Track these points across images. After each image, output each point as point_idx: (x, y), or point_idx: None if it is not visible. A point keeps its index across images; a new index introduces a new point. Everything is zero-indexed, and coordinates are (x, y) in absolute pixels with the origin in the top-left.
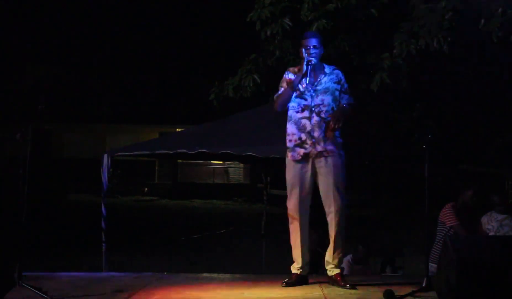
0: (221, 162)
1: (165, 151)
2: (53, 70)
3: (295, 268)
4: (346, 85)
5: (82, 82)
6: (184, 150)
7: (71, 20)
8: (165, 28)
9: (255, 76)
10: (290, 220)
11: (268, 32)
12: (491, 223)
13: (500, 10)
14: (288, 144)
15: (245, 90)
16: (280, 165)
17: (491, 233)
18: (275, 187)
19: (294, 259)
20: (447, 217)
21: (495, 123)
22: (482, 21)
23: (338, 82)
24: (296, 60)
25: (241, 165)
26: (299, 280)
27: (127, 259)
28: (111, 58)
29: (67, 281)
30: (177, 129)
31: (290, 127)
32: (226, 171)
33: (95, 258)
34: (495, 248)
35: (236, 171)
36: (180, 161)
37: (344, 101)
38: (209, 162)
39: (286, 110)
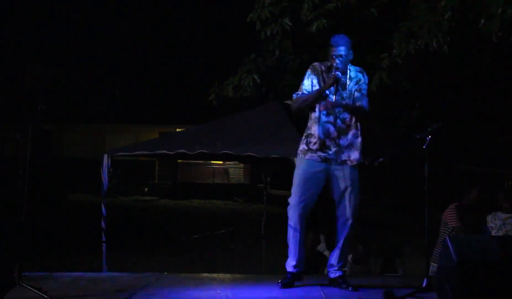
0: (221, 162)
1: (165, 151)
2: (53, 70)
3: (290, 266)
4: (363, 87)
5: (82, 82)
6: (184, 150)
7: (71, 20)
8: (165, 28)
9: (255, 76)
10: (289, 216)
11: (268, 32)
12: (494, 221)
13: (500, 10)
14: (310, 145)
15: (245, 90)
16: (280, 165)
17: (494, 231)
18: (275, 187)
19: (289, 256)
20: (449, 217)
21: (495, 123)
22: (482, 21)
23: (357, 82)
24: (296, 61)
25: (241, 165)
26: (295, 278)
27: (127, 259)
28: (111, 58)
29: (67, 281)
30: (177, 129)
31: (315, 129)
32: (226, 171)
33: (95, 258)
34: (495, 248)
35: (236, 171)
36: (180, 161)
37: (356, 102)
38: (209, 162)
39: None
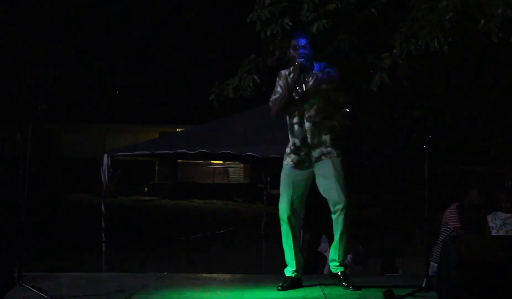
0: (221, 162)
1: (165, 151)
2: (53, 70)
3: (289, 271)
4: (327, 69)
5: (82, 82)
6: (184, 150)
7: (71, 20)
8: (165, 28)
9: (255, 76)
10: (281, 222)
11: (268, 33)
12: (494, 221)
13: (500, 10)
14: (286, 150)
15: (245, 90)
16: (280, 165)
17: (494, 231)
18: (275, 187)
19: (287, 263)
20: (450, 217)
21: (495, 123)
22: (482, 21)
23: (329, 81)
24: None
25: (241, 165)
26: (294, 283)
27: (127, 259)
28: (111, 58)
29: (67, 281)
30: (177, 129)
31: (289, 133)
32: (226, 171)
33: (95, 258)
34: (495, 248)
35: (236, 171)
36: (180, 161)
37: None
38: (209, 162)
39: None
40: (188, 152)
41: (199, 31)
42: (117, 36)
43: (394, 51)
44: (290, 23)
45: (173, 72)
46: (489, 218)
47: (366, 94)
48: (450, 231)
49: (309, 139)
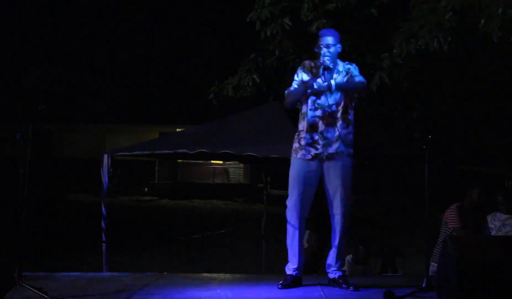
0: (221, 162)
1: (165, 151)
2: (53, 70)
3: (290, 269)
4: (354, 72)
5: (82, 82)
6: (184, 150)
7: (72, 20)
8: (165, 28)
9: (255, 76)
10: (287, 219)
11: (268, 32)
12: (494, 222)
13: (500, 10)
14: (300, 142)
15: (245, 90)
16: (280, 165)
17: (493, 232)
18: (275, 187)
19: (289, 260)
20: (450, 217)
21: (495, 123)
22: (482, 21)
23: (347, 73)
24: (296, 61)
25: (241, 165)
26: (295, 282)
27: (127, 259)
28: (111, 58)
29: (67, 281)
30: (177, 129)
31: (303, 125)
32: (226, 171)
33: (95, 258)
34: (495, 248)
35: (236, 171)
36: (180, 161)
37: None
38: (209, 162)
39: (296, 108)
40: (188, 151)
41: (199, 31)
42: (117, 36)
43: (394, 51)
44: (290, 23)
45: (173, 72)
46: (489, 218)
47: (366, 94)
48: (450, 231)
49: (329, 134)
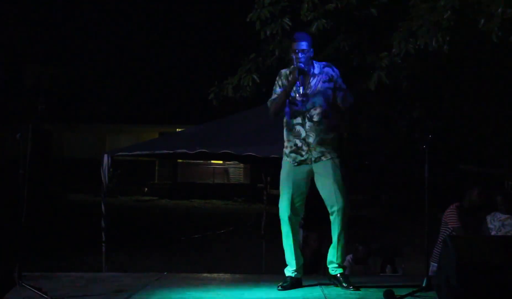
0: (221, 162)
1: (165, 151)
2: (53, 70)
3: (289, 271)
4: (339, 81)
5: (82, 82)
6: (184, 150)
7: (71, 20)
8: (165, 28)
9: (255, 76)
10: (281, 221)
11: (268, 32)
12: (493, 222)
13: (500, 10)
14: (285, 150)
15: (245, 90)
16: (280, 165)
17: (493, 232)
18: (275, 187)
19: (287, 263)
20: (450, 217)
21: (495, 123)
22: (482, 21)
23: (330, 80)
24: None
25: (241, 165)
26: (294, 283)
27: (127, 259)
28: (111, 58)
29: (67, 281)
30: (177, 129)
31: (286, 134)
32: (226, 171)
33: (95, 258)
34: (495, 248)
35: (236, 171)
36: (180, 161)
37: (339, 100)
38: (209, 162)
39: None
40: (188, 151)
41: (199, 30)
42: (117, 35)
43: (393, 50)
44: (290, 23)
45: (173, 72)
46: (488, 218)
47: (366, 94)
48: (450, 231)
49: (310, 139)
